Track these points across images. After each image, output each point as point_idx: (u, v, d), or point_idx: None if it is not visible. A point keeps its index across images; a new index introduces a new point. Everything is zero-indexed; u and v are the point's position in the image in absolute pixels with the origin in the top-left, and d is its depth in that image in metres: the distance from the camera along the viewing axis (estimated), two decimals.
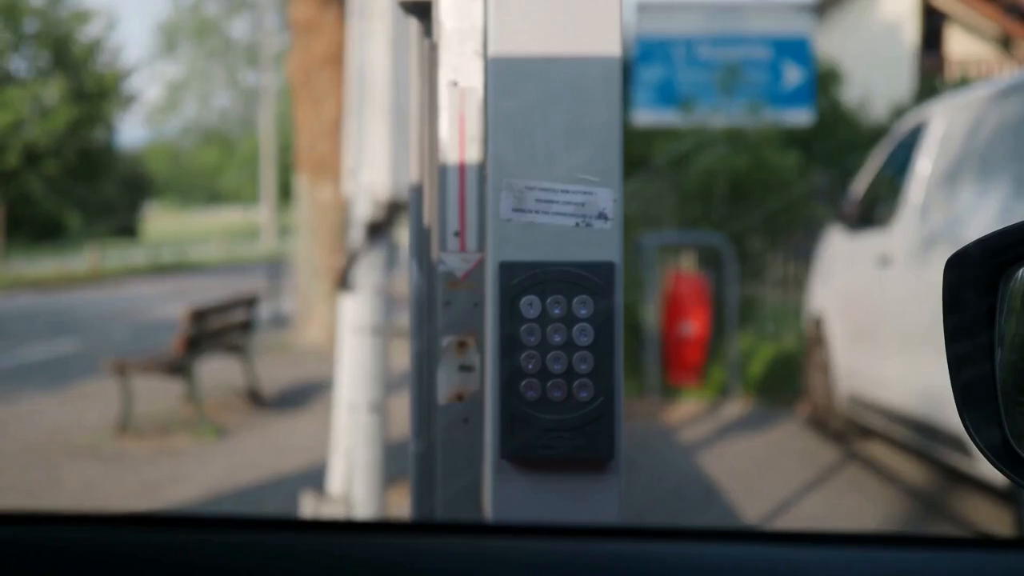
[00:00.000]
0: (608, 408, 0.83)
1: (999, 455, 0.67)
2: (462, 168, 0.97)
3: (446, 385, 1.00)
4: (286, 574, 0.52)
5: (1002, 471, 0.67)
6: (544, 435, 0.82)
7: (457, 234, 0.98)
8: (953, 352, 0.68)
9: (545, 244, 0.83)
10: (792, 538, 0.59)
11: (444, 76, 0.97)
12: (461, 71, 0.96)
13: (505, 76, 0.84)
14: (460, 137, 0.97)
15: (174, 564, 0.52)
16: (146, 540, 0.53)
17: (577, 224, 0.83)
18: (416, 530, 0.60)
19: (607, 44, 0.84)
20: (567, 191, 0.83)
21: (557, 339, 0.83)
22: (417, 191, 1.16)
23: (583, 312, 0.83)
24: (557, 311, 0.83)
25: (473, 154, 0.97)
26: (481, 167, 0.97)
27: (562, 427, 0.82)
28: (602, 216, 0.83)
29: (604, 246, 0.83)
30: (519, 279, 0.83)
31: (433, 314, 1.06)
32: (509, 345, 0.82)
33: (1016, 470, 0.67)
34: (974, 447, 0.68)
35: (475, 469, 1.04)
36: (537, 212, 0.83)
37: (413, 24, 1.15)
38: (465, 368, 0.98)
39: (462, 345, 0.98)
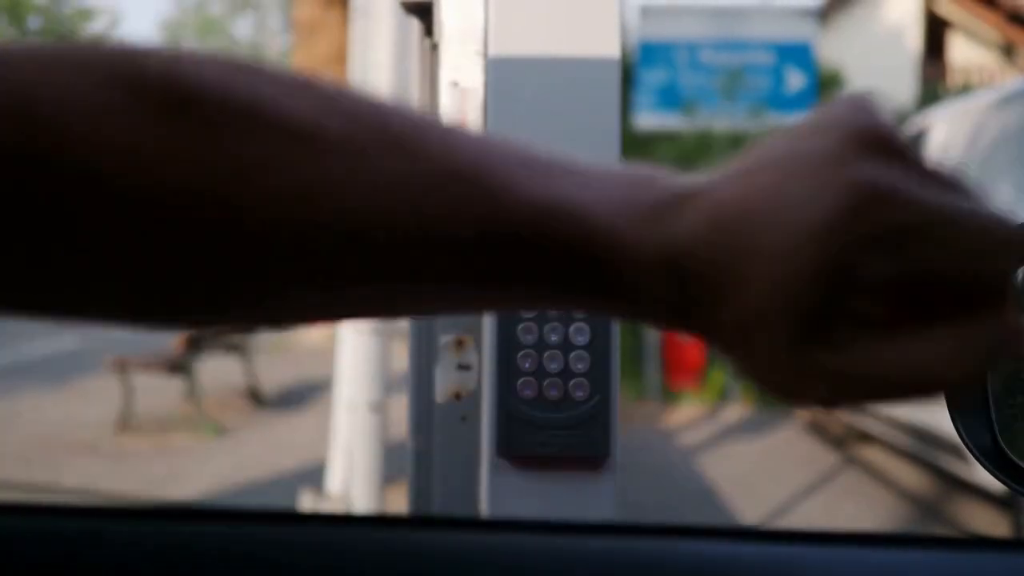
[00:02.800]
0: (604, 407, 0.83)
1: (990, 458, 0.68)
2: None
3: (444, 384, 1.00)
4: (282, 566, 0.52)
5: (993, 474, 0.68)
6: (540, 433, 0.83)
7: None
8: None
9: None
10: (789, 537, 0.59)
11: (445, 76, 0.97)
12: (462, 71, 0.97)
13: (505, 77, 0.85)
14: None
15: (170, 555, 0.52)
16: (143, 531, 0.54)
17: None
18: (412, 524, 0.61)
19: (606, 45, 0.85)
20: None
21: (554, 338, 0.83)
22: None
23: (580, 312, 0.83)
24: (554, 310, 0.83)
25: None
26: None
27: (558, 425, 0.83)
28: None
29: None
30: None
31: (429, 320, 1.07)
32: (506, 344, 0.83)
33: (1007, 473, 0.67)
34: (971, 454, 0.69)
35: (472, 467, 1.04)
36: None
37: (415, 24, 1.15)
38: (463, 367, 0.99)
39: (460, 344, 0.99)
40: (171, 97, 0.31)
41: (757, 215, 0.36)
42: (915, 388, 0.37)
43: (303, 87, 0.35)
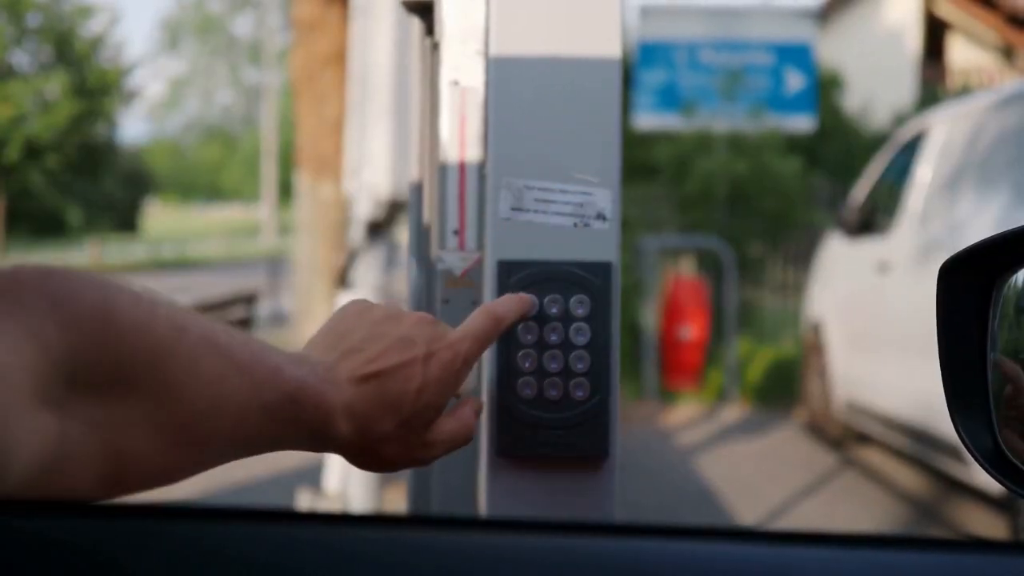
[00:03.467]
0: (604, 407, 0.83)
1: (990, 460, 0.68)
2: (462, 167, 0.98)
3: None
4: (280, 565, 0.52)
5: (993, 476, 0.68)
6: (540, 433, 0.83)
7: (456, 232, 0.98)
8: (946, 357, 0.68)
9: (543, 243, 0.84)
10: (788, 538, 0.59)
11: (445, 75, 0.97)
12: (462, 71, 0.97)
13: (506, 76, 0.85)
14: (460, 136, 0.97)
15: (167, 553, 0.52)
16: (138, 529, 0.53)
17: (575, 224, 0.84)
18: (411, 524, 0.61)
19: (607, 45, 0.84)
20: (566, 191, 0.84)
21: (554, 338, 0.83)
22: (417, 189, 1.17)
23: (580, 311, 0.83)
24: (554, 310, 0.83)
25: (473, 153, 0.98)
26: (481, 166, 0.98)
27: (558, 425, 0.83)
28: (600, 216, 0.84)
29: (602, 246, 0.84)
30: (517, 278, 0.83)
31: (432, 312, 1.07)
32: (506, 343, 0.83)
33: (1007, 475, 0.67)
34: (970, 455, 0.69)
35: (471, 467, 1.04)
36: (536, 211, 0.84)
37: (415, 23, 1.15)
38: None
39: None
40: (179, 324, 0.55)
41: (393, 372, 0.68)
42: (460, 442, 0.73)
43: (209, 322, 0.59)
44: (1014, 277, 0.67)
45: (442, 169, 0.99)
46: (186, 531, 0.52)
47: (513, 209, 0.84)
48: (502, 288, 0.84)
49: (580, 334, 0.83)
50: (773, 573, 0.54)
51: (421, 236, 1.16)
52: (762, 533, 0.58)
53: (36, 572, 0.51)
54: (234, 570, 0.50)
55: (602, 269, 0.84)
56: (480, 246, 0.98)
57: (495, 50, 0.85)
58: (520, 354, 0.83)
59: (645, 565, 0.53)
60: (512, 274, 0.84)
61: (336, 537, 0.54)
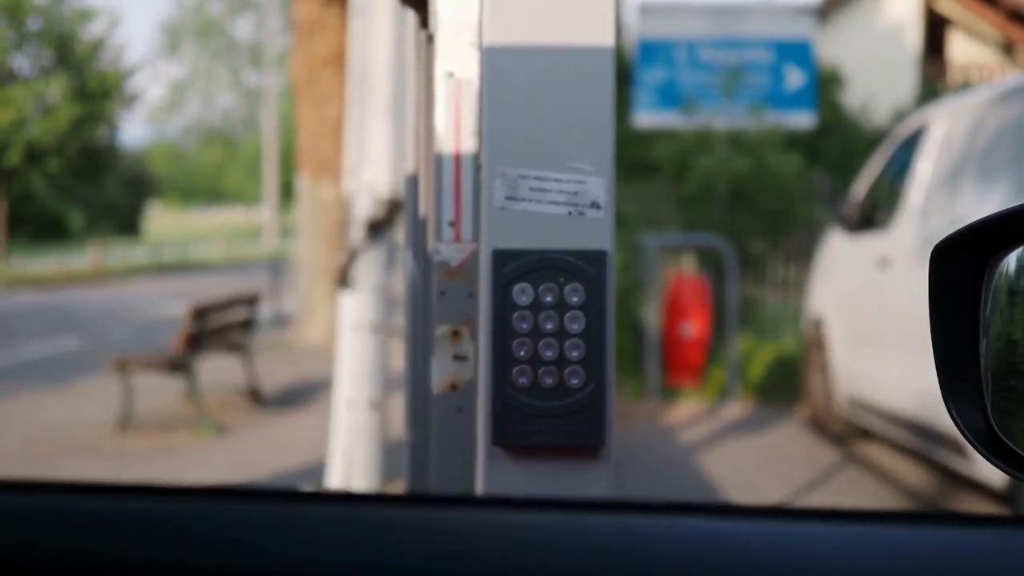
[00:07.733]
0: (599, 394, 0.83)
1: (983, 441, 0.68)
2: (457, 158, 0.98)
3: (440, 375, 1.01)
4: (280, 542, 0.52)
5: (986, 457, 0.68)
6: (536, 421, 0.83)
7: (452, 224, 0.99)
8: (938, 339, 0.68)
9: (538, 232, 0.84)
10: (781, 513, 0.59)
11: (440, 67, 0.98)
12: (457, 62, 0.97)
13: (500, 67, 0.85)
14: (456, 128, 0.98)
15: (172, 531, 0.52)
16: (145, 508, 0.54)
17: (570, 213, 0.84)
18: (409, 502, 0.61)
19: (600, 35, 0.85)
20: (560, 180, 0.84)
21: (549, 326, 0.83)
22: (414, 182, 1.17)
23: (575, 300, 0.83)
24: (549, 299, 0.83)
25: (468, 144, 0.98)
26: (476, 157, 0.98)
27: (553, 413, 0.83)
28: (595, 205, 0.84)
29: (596, 234, 0.84)
30: (512, 266, 0.84)
31: (428, 304, 1.07)
32: (501, 332, 0.83)
33: (999, 456, 0.67)
34: (972, 449, 0.69)
35: (468, 457, 1.04)
36: (530, 200, 0.84)
37: (411, 16, 1.16)
38: (459, 357, 0.99)
39: (456, 335, 0.99)
40: None
41: None
42: None
43: None
44: (1005, 260, 0.67)
45: (438, 161, 0.99)
46: (190, 510, 0.52)
47: (508, 198, 0.84)
48: (497, 277, 0.84)
49: (575, 322, 0.84)
50: (767, 547, 0.54)
51: (417, 229, 1.16)
52: (759, 509, 0.58)
53: (47, 552, 0.51)
54: (238, 547, 0.50)
55: (597, 257, 0.84)
56: (476, 237, 0.98)
57: (489, 41, 0.85)
58: (515, 342, 0.84)
59: (638, 541, 0.54)
60: (507, 263, 0.84)
61: (336, 514, 0.54)
